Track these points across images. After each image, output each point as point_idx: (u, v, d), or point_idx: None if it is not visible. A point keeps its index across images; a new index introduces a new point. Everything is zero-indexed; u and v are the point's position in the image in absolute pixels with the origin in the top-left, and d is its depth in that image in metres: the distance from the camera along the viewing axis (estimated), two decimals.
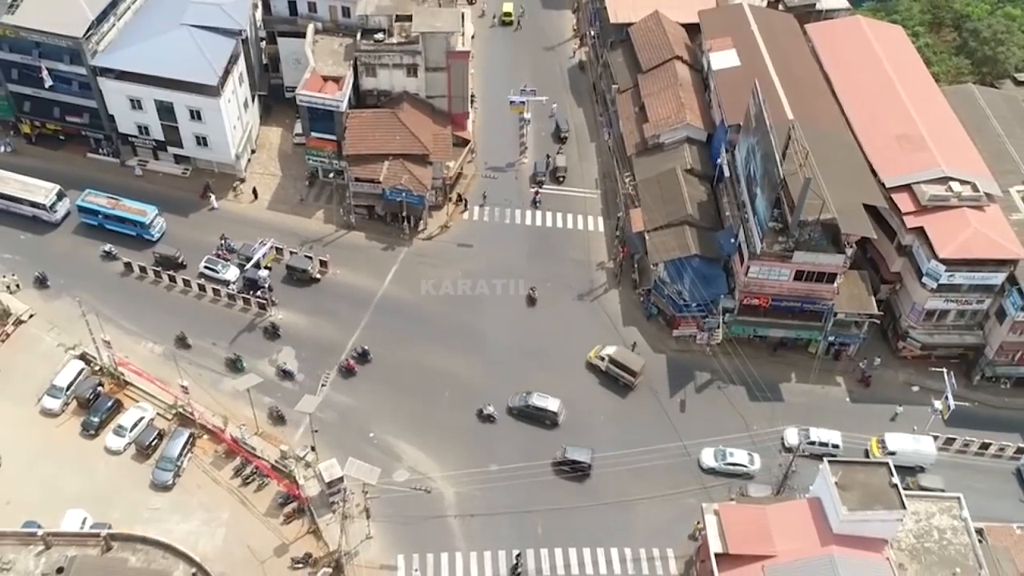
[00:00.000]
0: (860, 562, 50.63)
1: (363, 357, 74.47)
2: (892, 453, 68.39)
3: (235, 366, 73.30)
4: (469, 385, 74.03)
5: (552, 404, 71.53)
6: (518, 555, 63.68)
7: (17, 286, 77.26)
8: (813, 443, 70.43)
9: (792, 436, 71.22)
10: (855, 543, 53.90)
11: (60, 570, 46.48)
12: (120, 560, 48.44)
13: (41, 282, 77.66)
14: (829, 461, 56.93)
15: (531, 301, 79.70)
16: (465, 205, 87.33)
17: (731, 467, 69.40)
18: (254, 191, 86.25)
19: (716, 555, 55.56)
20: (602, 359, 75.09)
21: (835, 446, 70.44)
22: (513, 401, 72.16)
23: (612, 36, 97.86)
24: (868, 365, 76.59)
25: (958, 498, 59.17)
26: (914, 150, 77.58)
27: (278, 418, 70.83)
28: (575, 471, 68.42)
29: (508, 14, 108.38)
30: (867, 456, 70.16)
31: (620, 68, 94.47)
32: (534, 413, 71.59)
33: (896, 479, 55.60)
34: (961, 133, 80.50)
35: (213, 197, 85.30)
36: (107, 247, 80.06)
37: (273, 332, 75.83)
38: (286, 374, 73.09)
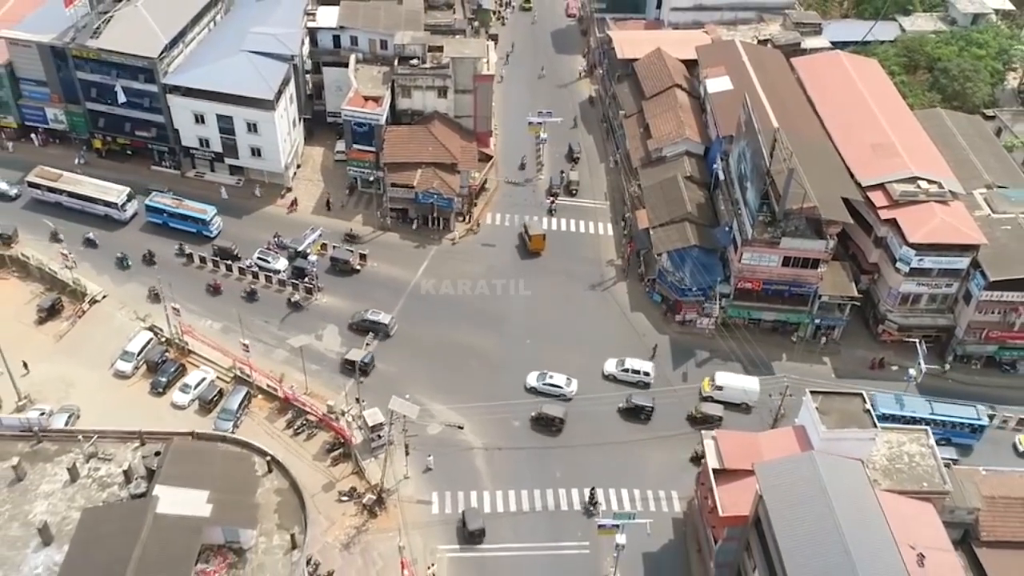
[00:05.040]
0: (836, 459, 58.76)
1: (251, 296, 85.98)
2: (720, 388, 78.53)
3: (122, 264, 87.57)
4: (491, 357, 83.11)
5: (384, 318, 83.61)
6: (592, 490, 71.82)
7: (74, 263, 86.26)
8: (627, 371, 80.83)
9: (610, 365, 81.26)
10: None
11: (158, 453, 54.83)
12: (210, 445, 57.04)
13: (121, 262, 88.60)
14: (811, 391, 65.62)
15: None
16: (467, 218, 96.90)
17: (549, 387, 79.20)
18: (328, 202, 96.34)
19: (714, 470, 63.88)
20: (524, 228, 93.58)
21: (646, 374, 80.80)
22: (353, 319, 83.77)
23: (619, 71, 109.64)
24: (826, 344, 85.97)
25: (925, 430, 67.51)
26: (887, 156, 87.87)
27: (154, 296, 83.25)
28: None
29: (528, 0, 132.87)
30: (700, 394, 79.83)
31: (626, 97, 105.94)
32: (369, 326, 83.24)
33: (869, 405, 64.28)
34: (929, 144, 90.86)
35: (224, 189, 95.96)
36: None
37: (295, 306, 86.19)
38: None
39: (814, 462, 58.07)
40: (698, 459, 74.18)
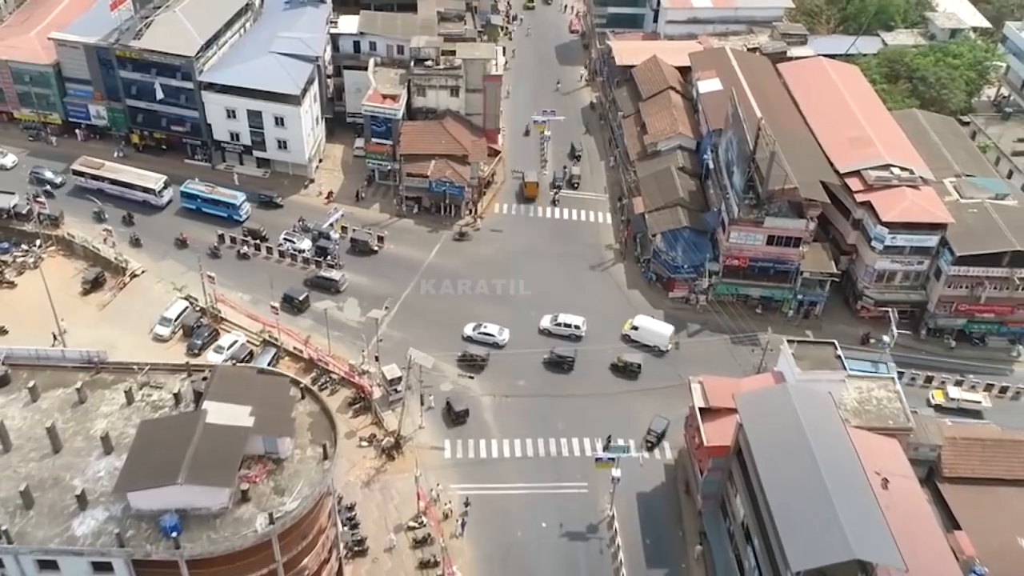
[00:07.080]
0: (808, 391, 65.62)
1: (215, 255, 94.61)
2: (635, 328, 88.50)
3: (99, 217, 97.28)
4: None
5: (335, 275, 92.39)
6: (609, 437, 78.63)
7: (114, 243, 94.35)
8: (560, 324, 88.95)
9: (545, 321, 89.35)
10: None
11: (205, 378, 61.81)
12: (250, 371, 64.12)
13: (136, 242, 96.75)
14: (788, 340, 72.63)
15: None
16: (475, 209, 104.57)
17: (483, 336, 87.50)
18: (357, 194, 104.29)
19: (700, 409, 70.78)
20: (522, 177, 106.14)
21: (577, 327, 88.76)
22: (308, 276, 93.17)
23: (618, 77, 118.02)
24: (808, 319, 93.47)
25: (892, 378, 74.38)
26: (863, 146, 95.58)
27: (136, 241, 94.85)
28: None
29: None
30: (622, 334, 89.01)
31: (624, 100, 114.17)
32: (322, 282, 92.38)
33: (840, 352, 71.28)
34: (902, 137, 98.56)
35: (236, 176, 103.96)
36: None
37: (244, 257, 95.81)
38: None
39: (788, 393, 65.05)
40: (653, 448, 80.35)
